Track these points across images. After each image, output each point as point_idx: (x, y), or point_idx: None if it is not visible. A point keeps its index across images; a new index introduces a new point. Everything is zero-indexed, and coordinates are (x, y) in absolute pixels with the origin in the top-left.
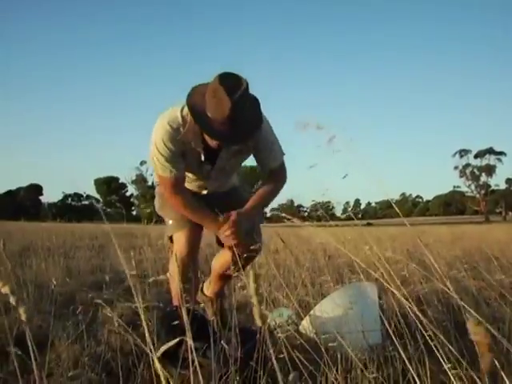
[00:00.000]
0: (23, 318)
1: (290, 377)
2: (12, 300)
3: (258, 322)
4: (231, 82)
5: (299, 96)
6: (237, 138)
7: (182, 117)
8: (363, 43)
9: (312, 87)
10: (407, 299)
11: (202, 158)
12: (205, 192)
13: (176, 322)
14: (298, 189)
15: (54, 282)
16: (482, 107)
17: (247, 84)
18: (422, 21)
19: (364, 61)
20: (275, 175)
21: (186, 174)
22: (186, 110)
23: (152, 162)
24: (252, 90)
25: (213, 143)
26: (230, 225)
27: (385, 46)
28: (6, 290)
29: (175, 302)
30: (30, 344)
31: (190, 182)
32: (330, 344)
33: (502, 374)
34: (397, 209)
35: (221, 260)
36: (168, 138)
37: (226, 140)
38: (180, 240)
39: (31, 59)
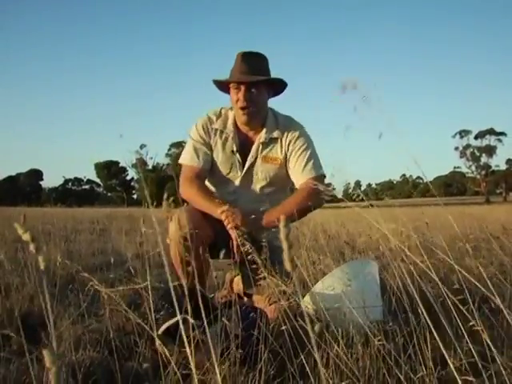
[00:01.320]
0: (42, 266)
1: (316, 327)
2: (32, 248)
3: (288, 267)
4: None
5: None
6: (251, 71)
7: (220, 111)
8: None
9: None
10: (409, 270)
11: (234, 148)
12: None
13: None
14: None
15: (59, 260)
16: (483, 87)
17: (264, 56)
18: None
19: (368, 45)
20: (304, 187)
21: (214, 185)
22: (226, 108)
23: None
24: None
25: (242, 118)
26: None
27: (385, 33)
28: (26, 237)
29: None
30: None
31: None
32: (331, 312)
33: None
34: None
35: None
36: (201, 124)
37: (243, 74)
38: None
39: (32, 47)
